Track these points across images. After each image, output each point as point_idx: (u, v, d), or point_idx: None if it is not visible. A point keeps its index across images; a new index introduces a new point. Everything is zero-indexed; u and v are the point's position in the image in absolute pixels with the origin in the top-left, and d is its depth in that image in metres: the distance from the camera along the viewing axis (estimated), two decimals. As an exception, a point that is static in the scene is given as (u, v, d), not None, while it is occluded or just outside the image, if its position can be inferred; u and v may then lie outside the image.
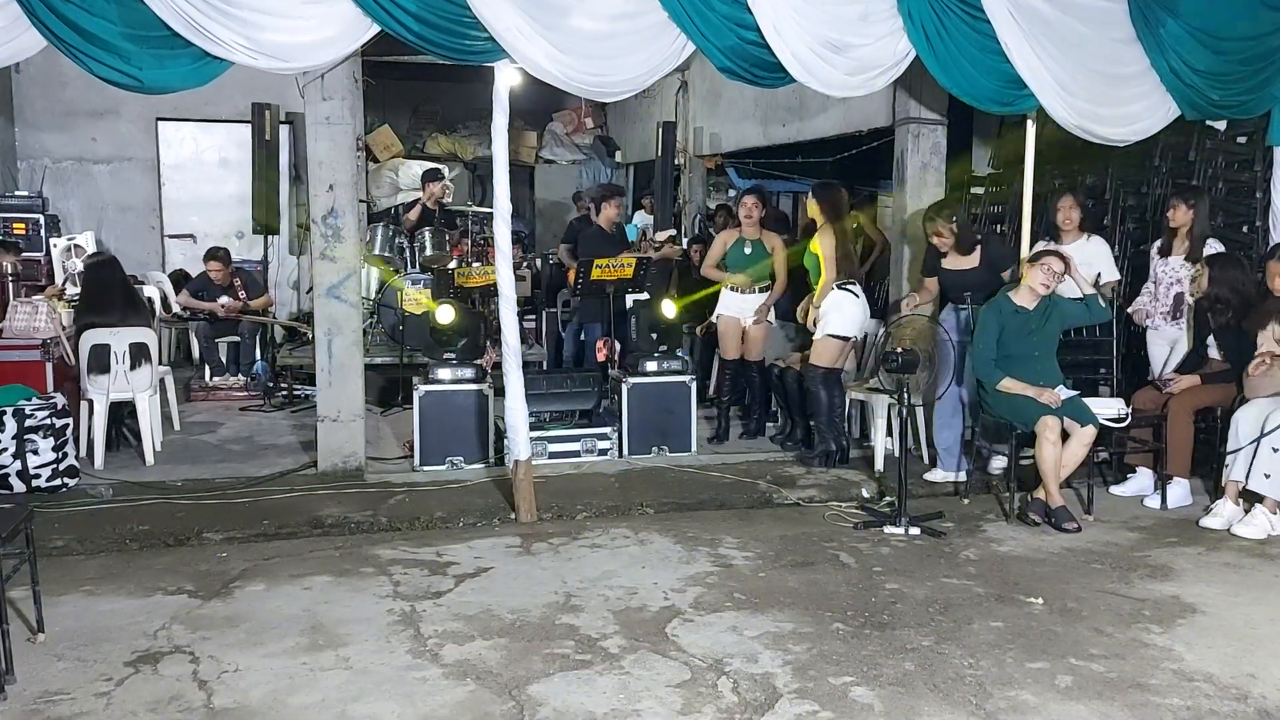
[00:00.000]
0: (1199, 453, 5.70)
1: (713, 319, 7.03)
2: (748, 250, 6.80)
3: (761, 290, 6.81)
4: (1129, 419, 5.65)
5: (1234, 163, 6.65)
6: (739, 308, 6.85)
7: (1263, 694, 3.44)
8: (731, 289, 6.85)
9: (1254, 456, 5.16)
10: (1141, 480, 5.83)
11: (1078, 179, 7.50)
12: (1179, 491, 5.62)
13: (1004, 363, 5.39)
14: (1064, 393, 5.33)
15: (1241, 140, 6.60)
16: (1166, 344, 6.13)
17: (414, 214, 9.09)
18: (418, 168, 11.27)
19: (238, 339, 8.70)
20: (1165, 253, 6.12)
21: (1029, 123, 6.24)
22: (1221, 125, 6.56)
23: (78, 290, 7.66)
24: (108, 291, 6.41)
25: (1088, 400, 5.54)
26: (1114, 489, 5.88)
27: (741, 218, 6.79)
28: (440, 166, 10.53)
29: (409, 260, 8.90)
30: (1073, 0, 5.79)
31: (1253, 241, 6.35)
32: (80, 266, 8.00)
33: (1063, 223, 6.18)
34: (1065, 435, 5.26)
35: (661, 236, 9.63)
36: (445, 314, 6.39)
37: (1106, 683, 3.51)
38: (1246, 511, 5.19)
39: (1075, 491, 5.61)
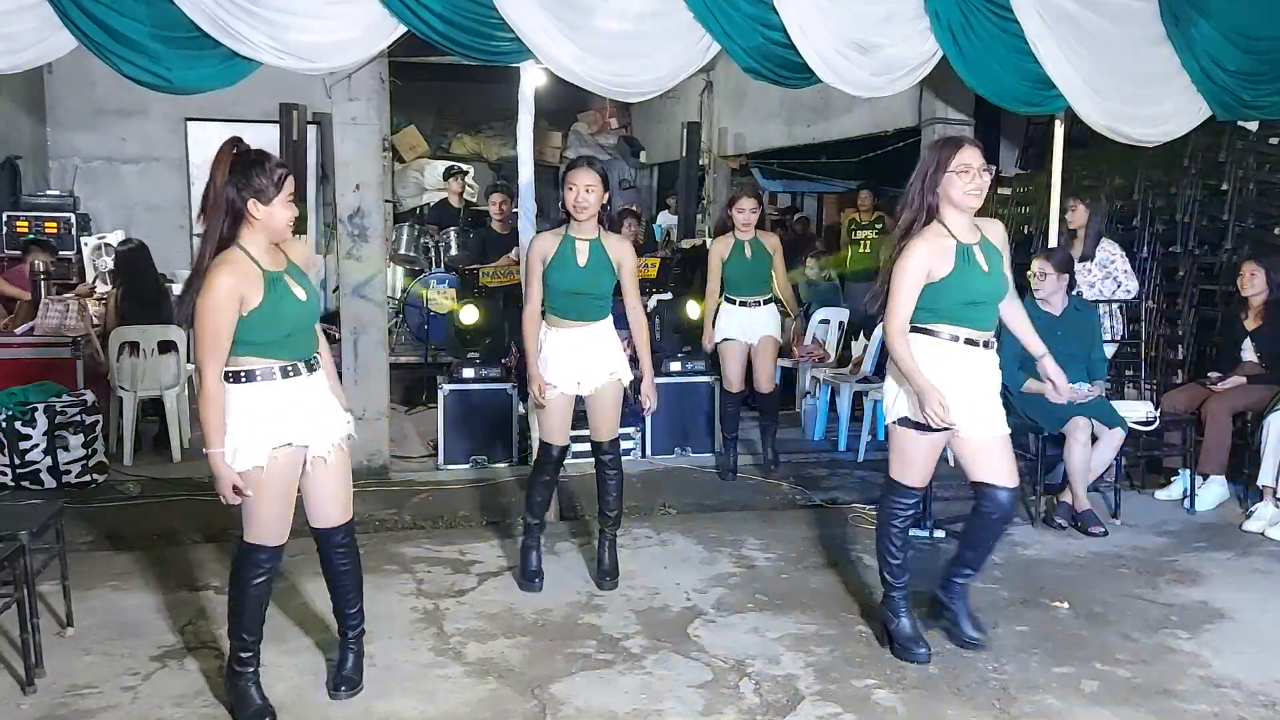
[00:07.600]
0: (1232, 456, 5.64)
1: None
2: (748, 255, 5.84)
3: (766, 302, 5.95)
4: (1157, 421, 5.59)
5: (1265, 164, 6.56)
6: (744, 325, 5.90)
7: (1292, 701, 3.40)
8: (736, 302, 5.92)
9: None
10: (1185, 484, 5.76)
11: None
12: (1217, 491, 5.57)
13: (1031, 365, 5.32)
14: (1083, 388, 5.23)
15: (1274, 141, 6.50)
16: None
17: None
18: (443, 168, 11.33)
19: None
20: None
21: (1057, 123, 6.19)
22: (1253, 126, 6.48)
23: (108, 289, 7.75)
24: (145, 275, 6.50)
25: (1115, 403, 5.48)
26: (1158, 494, 5.83)
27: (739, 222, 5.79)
28: (460, 165, 10.62)
29: (434, 260, 8.93)
30: (1102, 0, 5.75)
31: (1283, 243, 6.27)
32: (110, 265, 8.08)
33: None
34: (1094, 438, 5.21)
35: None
36: (469, 314, 6.40)
37: (1133, 688, 3.48)
38: None
39: (1102, 495, 5.56)
